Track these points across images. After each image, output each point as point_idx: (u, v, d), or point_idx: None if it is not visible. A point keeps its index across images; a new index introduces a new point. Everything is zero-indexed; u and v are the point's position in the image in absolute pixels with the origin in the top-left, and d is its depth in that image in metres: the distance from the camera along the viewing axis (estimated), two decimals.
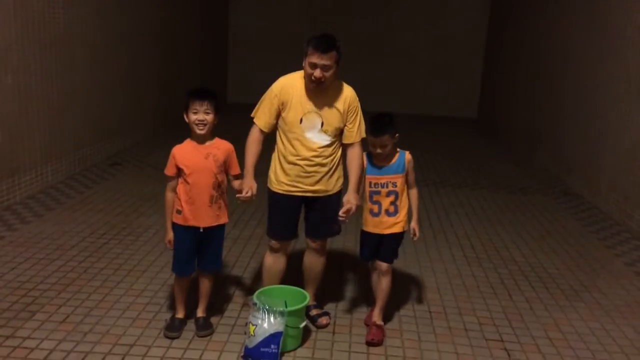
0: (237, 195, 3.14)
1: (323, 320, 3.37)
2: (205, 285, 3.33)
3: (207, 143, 3.14)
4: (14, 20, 5.19)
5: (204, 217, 3.14)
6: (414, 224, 3.32)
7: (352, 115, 3.19)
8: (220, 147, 3.17)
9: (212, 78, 12.07)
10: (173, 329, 3.21)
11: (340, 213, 3.09)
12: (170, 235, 3.19)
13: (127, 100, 7.83)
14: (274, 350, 2.95)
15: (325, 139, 3.15)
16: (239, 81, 13.06)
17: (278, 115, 3.18)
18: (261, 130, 3.21)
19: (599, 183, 6.34)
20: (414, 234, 3.32)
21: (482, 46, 12.51)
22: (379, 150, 3.17)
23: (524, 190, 6.91)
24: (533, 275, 4.37)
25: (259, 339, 2.94)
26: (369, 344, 3.19)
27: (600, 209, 6.20)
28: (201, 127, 3.06)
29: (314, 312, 3.40)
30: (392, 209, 3.24)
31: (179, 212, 3.13)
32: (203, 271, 3.32)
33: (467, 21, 12.57)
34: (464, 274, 4.32)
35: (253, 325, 2.96)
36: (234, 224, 5.08)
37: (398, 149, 3.28)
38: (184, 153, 3.12)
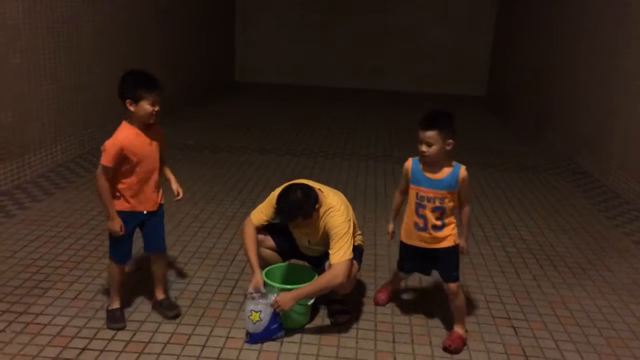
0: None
1: (341, 318, 3.23)
2: (158, 267, 3.25)
3: (150, 131, 3.01)
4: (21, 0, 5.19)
5: (148, 203, 3.07)
6: (462, 242, 3.06)
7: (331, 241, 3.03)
8: (157, 131, 3.04)
9: (219, 57, 12.02)
10: (117, 319, 3.10)
11: None
12: (120, 221, 2.97)
13: None
14: (280, 322, 3.02)
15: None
16: (247, 60, 13.01)
17: (275, 217, 3.18)
18: (255, 226, 3.19)
19: (609, 161, 6.30)
20: (462, 251, 3.08)
21: (493, 24, 12.37)
22: (423, 149, 2.85)
23: (533, 168, 6.88)
24: (541, 253, 4.37)
25: (266, 321, 2.97)
26: (445, 349, 3.00)
27: (609, 187, 6.18)
28: (155, 118, 2.95)
29: (335, 306, 3.28)
30: (439, 224, 2.97)
31: (118, 197, 3.00)
32: (152, 253, 3.23)
33: None
34: (472, 252, 4.33)
35: (256, 312, 2.97)
36: (240, 203, 5.12)
37: (454, 162, 2.96)
38: (132, 142, 2.93)
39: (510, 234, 4.75)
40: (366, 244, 3.91)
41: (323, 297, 3.21)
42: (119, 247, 3.09)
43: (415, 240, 3.06)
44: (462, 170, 2.92)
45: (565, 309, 3.53)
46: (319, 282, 3.00)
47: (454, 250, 3.04)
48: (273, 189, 3.24)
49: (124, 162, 2.93)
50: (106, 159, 2.89)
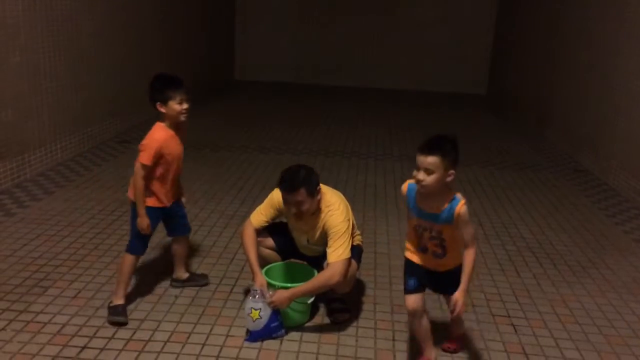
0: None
1: (341, 316, 3.23)
2: (182, 247, 3.52)
3: (180, 132, 3.23)
4: None
5: (172, 197, 3.30)
6: (458, 294, 2.56)
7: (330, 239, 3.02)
8: (184, 131, 3.26)
9: (219, 57, 12.03)
10: (119, 313, 3.12)
11: None
12: (148, 219, 3.12)
13: (135, 77, 7.81)
14: (280, 320, 3.02)
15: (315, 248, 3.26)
16: (247, 59, 13.01)
17: (275, 218, 3.24)
18: (255, 228, 3.21)
19: (609, 160, 6.30)
20: (454, 309, 2.58)
21: (493, 24, 12.38)
22: (419, 177, 2.51)
23: (533, 167, 6.88)
24: (541, 251, 4.37)
25: (266, 319, 2.98)
26: (445, 351, 3.00)
27: (610, 185, 6.18)
28: (186, 115, 3.14)
29: (335, 305, 3.27)
30: (439, 250, 2.69)
31: (150, 195, 3.17)
32: (179, 236, 3.49)
33: None
34: None
35: (256, 310, 2.98)
36: (240, 202, 5.11)
37: (454, 195, 2.61)
38: (168, 142, 3.14)
39: (510, 232, 4.75)
40: (366, 243, 3.91)
41: (323, 295, 3.21)
42: (142, 239, 3.20)
43: (418, 260, 2.79)
44: (459, 206, 2.56)
45: (565, 307, 3.53)
46: (317, 280, 3.01)
47: (458, 270, 2.67)
48: (273, 188, 3.23)
49: (159, 163, 3.10)
50: (145, 158, 3.06)
